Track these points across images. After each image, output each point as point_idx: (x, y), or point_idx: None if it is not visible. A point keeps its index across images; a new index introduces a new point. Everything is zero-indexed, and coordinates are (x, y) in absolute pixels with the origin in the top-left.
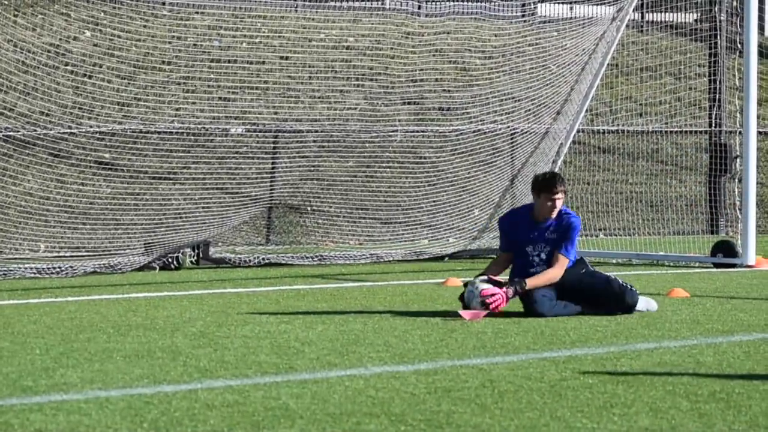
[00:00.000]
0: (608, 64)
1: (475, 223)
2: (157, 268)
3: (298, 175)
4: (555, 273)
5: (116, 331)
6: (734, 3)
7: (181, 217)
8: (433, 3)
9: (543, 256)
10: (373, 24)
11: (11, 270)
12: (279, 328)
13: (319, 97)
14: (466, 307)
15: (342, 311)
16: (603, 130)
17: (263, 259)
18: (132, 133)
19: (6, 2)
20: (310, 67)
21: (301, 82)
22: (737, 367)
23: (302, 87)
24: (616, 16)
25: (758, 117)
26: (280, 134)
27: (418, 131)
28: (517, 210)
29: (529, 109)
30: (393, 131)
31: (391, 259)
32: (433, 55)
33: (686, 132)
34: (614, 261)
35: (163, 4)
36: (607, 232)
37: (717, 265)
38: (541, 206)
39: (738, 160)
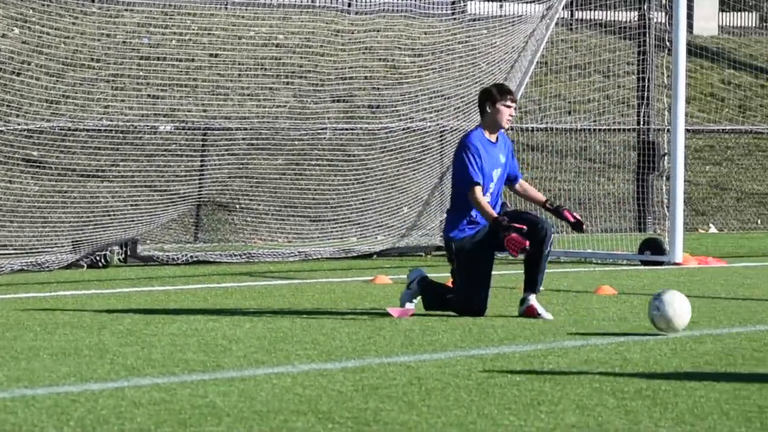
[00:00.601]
0: (537, 62)
1: (404, 221)
2: (85, 266)
3: (227, 172)
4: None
5: (43, 329)
6: (663, 1)
7: (109, 215)
8: (363, 0)
9: (498, 184)
10: (302, 22)
11: None
12: (206, 326)
13: (248, 95)
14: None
15: (270, 309)
16: (532, 127)
17: (191, 256)
18: (60, 131)
19: None
20: (239, 64)
21: (230, 79)
22: (664, 365)
23: (232, 85)
24: (545, 13)
25: (686, 115)
26: (209, 132)
27: (347, 129)
28: (473, 134)
29: (459, 107)
30: (322, 129)
31: (319, 256)
32: (363, 53)
33: (615, 130)
34: None
35: (93, 1)
36: None
37: (644, 263)
38: (497, 117)
39: (666, 157)
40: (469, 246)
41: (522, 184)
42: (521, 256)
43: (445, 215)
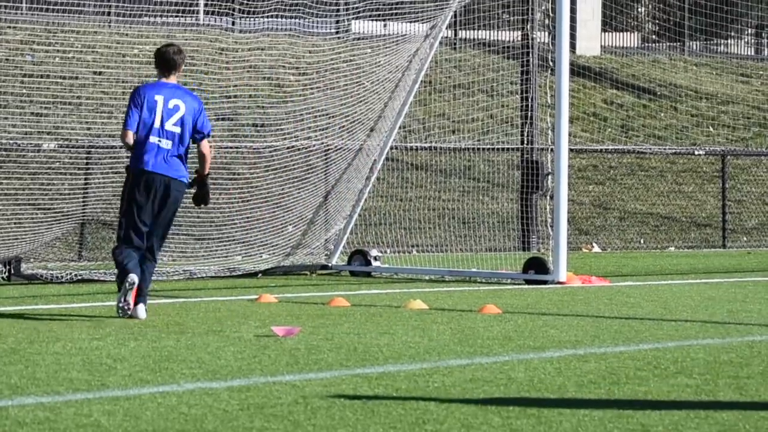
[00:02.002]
0: (422, 81)
1: (289, 240)
2: None
3: (111, 191)
4: None
5: None
6: (546, 21)
7: None
8: (248, 19)
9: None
10: (186, 39)
11: None
12: (91, 345)
13: None
14: None
15: (155, 328)
16: (416, 146)
17: (75, 275)
18: None
19: None
20: (123, 82)
21: (114, 97)
22: (548, 384)
23: (116, 103)
24: (429, 33)
25: (569, 134)
26: (93, 150)
27: (231, 147)
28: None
29: (343, 126)
30: None
31: (204, 275)
32: (248, 71)
33: (499, 149)
34: (427, 278)
35: None
36: (420, 249)
37: (528, 282)
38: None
39: (549, 177)
40: None
41: None
42: None
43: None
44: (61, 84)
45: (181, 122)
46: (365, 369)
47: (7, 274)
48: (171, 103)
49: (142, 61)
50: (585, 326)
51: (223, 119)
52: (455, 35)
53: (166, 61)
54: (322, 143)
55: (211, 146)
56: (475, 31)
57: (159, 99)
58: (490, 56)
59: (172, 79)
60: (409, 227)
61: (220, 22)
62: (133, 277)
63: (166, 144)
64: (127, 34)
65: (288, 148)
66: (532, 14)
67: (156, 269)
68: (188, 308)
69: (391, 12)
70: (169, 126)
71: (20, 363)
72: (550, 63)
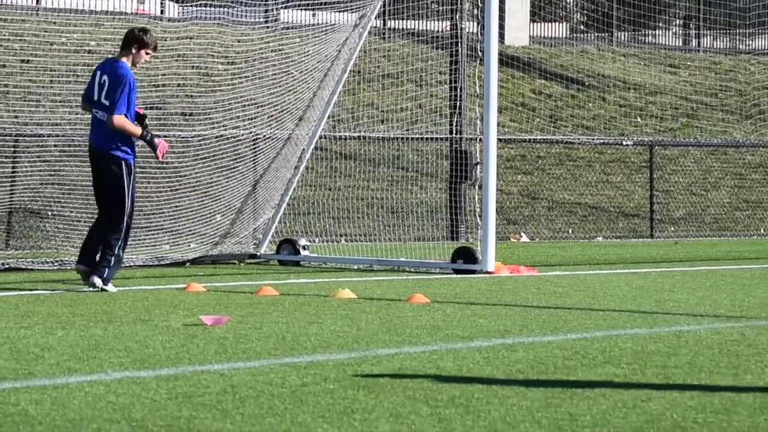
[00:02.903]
0: (350, 71)
1: (217, 229)
2: None
3: (39, 179)
4: None
5: None
6: (475, 11)
7: None
8: (176, 7)
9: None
10: (115, 28)
11: None
12: (18, 334)
13: (60, 102)
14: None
15: (83, 316)
16: (345, 136)
17: (2, 263)
18: None
19: None
20: (51, 71)
21: (42, 86)
22: (476, 373)
23: (43, 91)
24: (358, 22)
25: (498, 124)
26: (20, 138)
27: (160, 136)
28: (128, 68)
29: (272, 115)
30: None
31: (132, 264)
32: (176, 60)
33: (427, 139)
34: (355, 267)
35: None
36: (349, 238)
37: (457, 271)
38: (138, 59)
39: (478, 167)
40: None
41: None
42: None
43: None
44: None
45: None
46: (294, 358)
47: None
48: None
49: (69, 50)
50: (513, 316)
51: (151, 108)
52: (384, 25)
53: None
54: (251, 132)
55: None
56: (405, 21)
57: None
58: (419, 46)
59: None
60: (337, 216)
61: (148, 10)
62: None
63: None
64: (54, 23)
65: (216, 137)
66: (461, 4)
67: None
68: (116, 297)
69: (320, 2)
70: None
71: None
72: (479, 53)
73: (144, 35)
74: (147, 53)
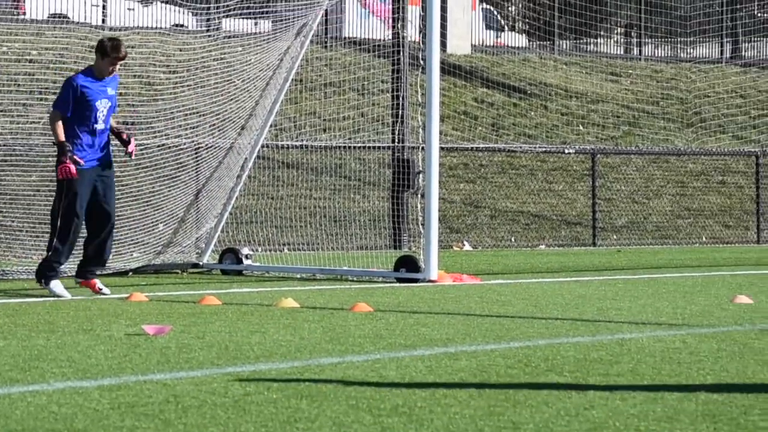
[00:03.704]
0: (292, 80)
1: (160, 238)
2: None
3: None
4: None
5: None
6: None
7: None
8: (117, 16)
9: (106, 113)
10: (56, 37)
11: None
12: None
13: (1, 111)
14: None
15: (25, 326)
16: (287, 145)
17: None
18: None
19: None
20: None
21: None
22: (419, 381)
23: None
24: (300, 31)
25: (440, 133)
26: None
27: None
28: (77, 75)
29: (214, 124)
30: None
31: (74, 274)
32: (118, 69)
33: (370, 147)
34: (298, 276)
35: None
36: (291, 247)
37: (400, 280)
38: (104, 68)
39: (421, 175)
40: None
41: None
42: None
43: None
44: None
45: None
46: (236, 367)
47: None
48: None
49: (10, 59)
50: (456, 324)
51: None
52: (326, 33)
53: None
54: (193, 141)
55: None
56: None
57: None
58: (361, 54)
59: None
60: (280, 225)
61: (89, 20)
62: None
63: None
64: None
65: (158, 146)
66: (403, 13)
67: (24, 268)
68: (58, 307)
69: (261, 10)
70: None
71: None
72: (421, 61)
73: (107, 43)
74: (112, 62)
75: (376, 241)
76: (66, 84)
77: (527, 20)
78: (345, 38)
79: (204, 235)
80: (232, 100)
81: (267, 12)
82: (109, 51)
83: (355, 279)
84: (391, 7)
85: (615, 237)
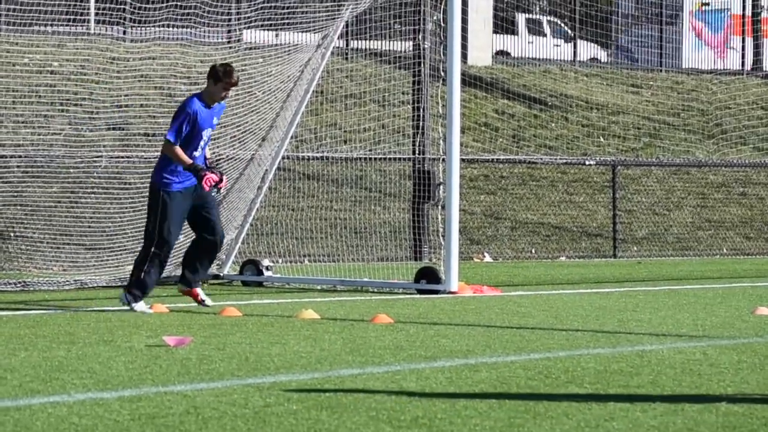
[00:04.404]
0: (313, 91)
1: (180, 250)
2: None
3: (1, 200)
4: None
5: None
6: (438, 31)
7: None
8: (139, 28)
9: (206, 141)
10: (77, 49)
11: None
12: None
13: (23, 122)
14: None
15: (45, 337)
16: (308, 156)
17: None
18: None
19: None
20: (14, 91)
21: (4, 106)
22: (439, 393)
23: (6, 112)
24: (321, 43)
25: (461, 144)
26: None
27: (123, 157)
28: (192, 99)
29: (235, 136)
30: (98, 157)
31: (95, 285)
32: (139, 81)
33: (390, 159)
34: (319, 287)
35: None
36: (312, 259)
37: (420, 292)
38: (215, 93)
39: (441, 187)
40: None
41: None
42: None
43: None
44: None
45: None
46: (257, 379)
47: None
48: None
49: (32, 70)
50: (476, 336)
51: (114, 128)
52: (347, 45)
53: None
54: (214, 153)
55: (102, 156)
56: (367, 41)
57: None
58: (381, 66)
59: None
60: (300, 237)
61: (111, 32)
62: None
63: None
64: (17, 43)
65: None
66: (424, 24)
67: (46, 279)
68: (79, 318)
69: (283, 22)
70: None
71: None
72: (442, 73)
73: (219, 68)
74: (224, 87)
75: (396, 252)
76: (182, 110)
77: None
78: (366, 50)
79: (224, 247)
80: (252, 111)
81: (288, 23)
82: (221, 76)
83: (375, 290)
84: (722, 36)
85: (636, 248)
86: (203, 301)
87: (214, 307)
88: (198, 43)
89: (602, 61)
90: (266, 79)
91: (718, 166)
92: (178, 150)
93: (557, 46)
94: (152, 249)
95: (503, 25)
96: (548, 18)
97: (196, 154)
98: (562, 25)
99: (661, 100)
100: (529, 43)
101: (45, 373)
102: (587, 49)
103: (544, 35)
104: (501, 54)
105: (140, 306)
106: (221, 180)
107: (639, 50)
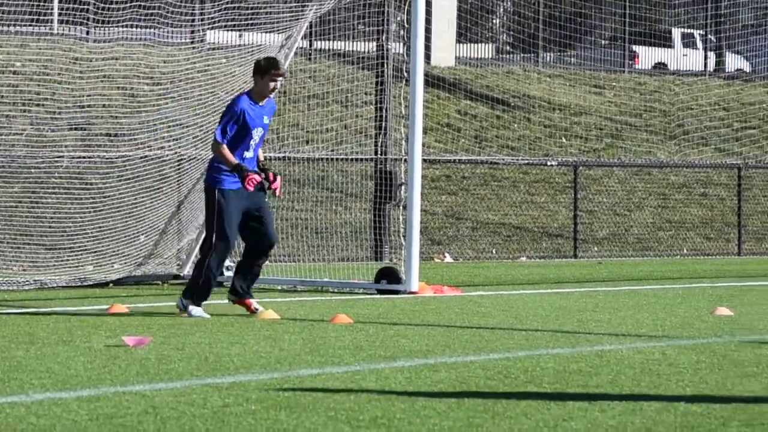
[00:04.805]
0: (276, 92)
1: (141, 249)
2: None
3: None
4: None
5: None
6: (401, 32)
7: None
8: (102, 28)
9: (258, 141)
10: (40, 49)
11: None
12: None
13: None
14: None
15: (4, 338)
16: (270, 156)
17: None
18: None
19: None
20: None
21: None
22: (399, 393)
23: None
24: (284, 43)
25: (423, 145)
26: None
27: (84, 157)
28: (241, 98)
29: (197, 136)
30: (59, 157)
31: (55, 285)
32: (101, 81)
33: (352, 159)
34: (279, 287)
35: None
36: (272, 259)
37: (381, 292)
38: (263, 88)
39: (403, 187)
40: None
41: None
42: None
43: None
44: None
45: None
46: (216, 379)
47: None
48: None
49: None
50: (436, 336)
51: (76, 129)
52: (310, 45)
53: None
54: (176, 153)
55: (64, 156)
56: (331, 42)
57: None
58: (345, 67)
59: None
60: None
61: (74, 32)
62: None
63: None
64: None
65: (141, 157)
66: (387, 25)
67: (6, 279)
68: (38, 318)
69: (246, 22)
70: None
71: None
72: (405, 74)
73: (262, 62)
74: (272, 79)
75: (357, 252)
76: (230, 109)
77: (511, 32)
78: (329, 50)
79: (185, 247)
80: (215, 112)
81: (252, 24)
82: (265, 68)
83: (335, 290)
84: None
85: (596, 249)
86: (257, 310)
87: (174, 308)
88: (161, 44)
89: (747, 71)
90: (229, 80)
91: (680, 166)
92: (224, 149)
93: (708, 59)
94: (212, 250)
95: (662, 36)
96: (700, 32)
97: (248, 154)
98: (713, 39)
99: (623, 100)
100: (683, 56)
101: (3, 373)
102: (734, 61)
103: (697, 48)
104: (659, 66)
105: (197, 311)
106: (269, 180)
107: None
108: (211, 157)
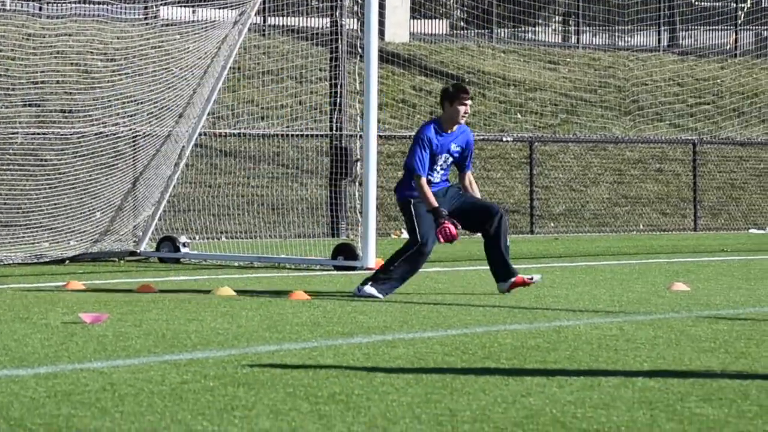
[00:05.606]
0: (231, 68)
1: (97, 226)
2: None
3: None
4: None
5: None
6: (355, 8)
7: None
8: (55, 4)
9: (444, 166)
10: None
11: None
12: None
13: None
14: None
15: None
16: (225, 133)
17: None
18: None
19: None
20: None
21: None
22: (357, 369)
23: None
24: (238, 19)
25: (378, 121)
26: None
27: (39, 133)
28: (428, 126)
29: (152, 112)
30: (13, 134)
31: (10, 262)
32: (55, 57)
33: (308, 135)
34: (236, 264)
35: None
36: (229, 235)
37: (338, 268)
38: (453, 114)
39: (358, 163)
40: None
41: (468, 176)
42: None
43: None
44: None
45: None
46: (174, 355)
47: None
48: None
49: None
50: (394, 312)
51: (30, 105)
52: (264, 21)
53: None
54: (131, 129)
55: (18, 132)
56: (285, 18)
57: None
58: (299, 43)
59: None
60: (218, 214)
61: (27, 8)
62: None
63: None
64: None
65: (96, 134)
66: (341, 1)
67: None
68: None
69: None
70: None
71: None
72: (359, 50)
73: (450, 88)
74: (461, 103)
75: (314, 229)
76: (418, 139)
77: (465, 8)
78: (283, 26)
79: (141, 223)
80: (169, 88)
81: (205, 0)
82: (454, 92)
83: (292, 267)
84: None
85: (552, 225)
86: (531, 278)
87: (131, 284)
88: (114, 20)
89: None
90: (183, 56)
91: (635, 142)
92: (425, 187)
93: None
94: (410, 250)
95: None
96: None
97: (433, 179)
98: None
99: (578, 76)
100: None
101: None
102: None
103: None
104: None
105: (369, 289)
106: (456, 234)
107: None
108: (402, 174)
